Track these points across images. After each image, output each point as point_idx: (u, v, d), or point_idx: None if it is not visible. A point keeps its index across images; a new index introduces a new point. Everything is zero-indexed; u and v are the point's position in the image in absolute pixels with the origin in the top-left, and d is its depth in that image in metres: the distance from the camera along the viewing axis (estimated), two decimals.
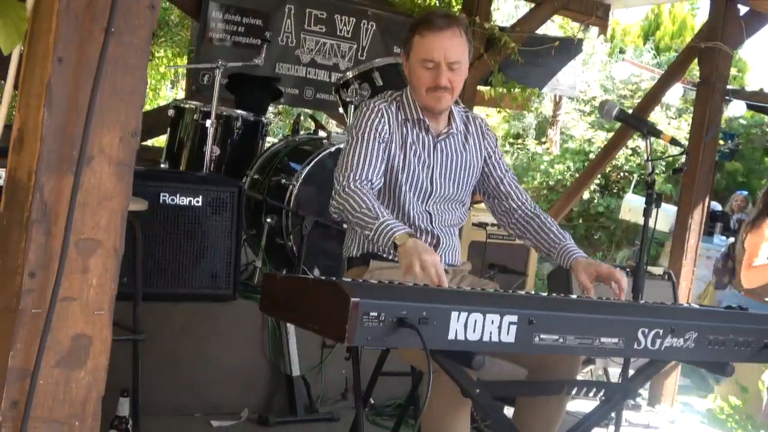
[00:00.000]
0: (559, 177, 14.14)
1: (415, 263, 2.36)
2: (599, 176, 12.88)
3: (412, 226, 2.85)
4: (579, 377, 4.97)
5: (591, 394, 2.54)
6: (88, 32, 1.73)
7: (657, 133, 3.06)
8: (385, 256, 2.82)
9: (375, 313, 1.89)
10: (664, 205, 10.23)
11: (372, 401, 4.15)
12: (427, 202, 2.89)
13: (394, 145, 2.83)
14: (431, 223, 2.89)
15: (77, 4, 1.72)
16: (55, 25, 1.70)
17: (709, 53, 5.94)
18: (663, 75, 7.84)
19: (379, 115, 2.81)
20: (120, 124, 1.77)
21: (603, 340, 2.22)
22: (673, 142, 3.05)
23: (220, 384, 3.98)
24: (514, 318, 2.06)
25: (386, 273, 2.72)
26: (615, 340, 2.24)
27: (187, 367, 3.90)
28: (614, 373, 4.89)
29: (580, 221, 14.26)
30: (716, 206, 11.83)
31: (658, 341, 2.31)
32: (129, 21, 1.78)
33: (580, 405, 4.18)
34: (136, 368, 3.33)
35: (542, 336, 2.12)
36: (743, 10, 6.00)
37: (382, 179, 2.81)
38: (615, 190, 14.24)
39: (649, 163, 3.08)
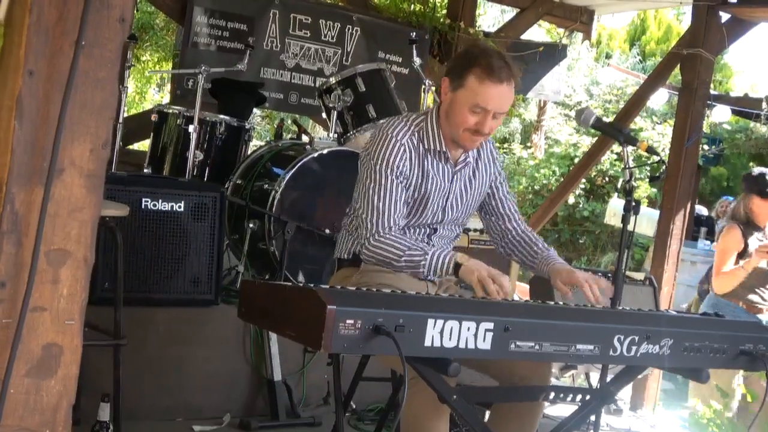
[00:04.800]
0: (545, 181, 14.17)
1: (484, 275, 2.52)
2: (584, 181, 12.90)
3: None
4: (561, 381, 5.00)
5: (569, 399, 2.55)
6: (59, 46, 1.75)
7: (633, 142, 3.05)
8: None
9: (351, 321, 1.90)
10: (650, 209, 10.24)
11: (354, 406, 4.16)
12: (433, 225, 2.93)
13: (414, 177, 2.82)
14: (430, 239, 2.93)
15: (48, 18, 1.73)
16: (26, 38, 1.71)
17: (690, 60, 5.97)
18: (645, 81, 7.87)
19: (401, 151, 2.77)
20: (90, 136, 1.78)
21: (579, 346, 2.24)
22: (650, 150, 3.02)
23: (202, 388, 3.98)
24: (490, 325, 2.08)
25: (375, 275, 2.75)
26: (591, 346, 2.26)
27: (169, 372, 3.90)
28: (596, 377, 4.90)
29: (566, 226, 14.28)
30: (702, 211, 11.86)
31: (634, 348, 2.32)
32: (99, 34, 1.79)
33: (561, 409, 4.19)
34: (117, 373, 3.33)
35: (518, 343, 2.14)
36: (725, 17, 6.05)
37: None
38: (600, 195, 14.28)
39: (627, 170, 3.08)
